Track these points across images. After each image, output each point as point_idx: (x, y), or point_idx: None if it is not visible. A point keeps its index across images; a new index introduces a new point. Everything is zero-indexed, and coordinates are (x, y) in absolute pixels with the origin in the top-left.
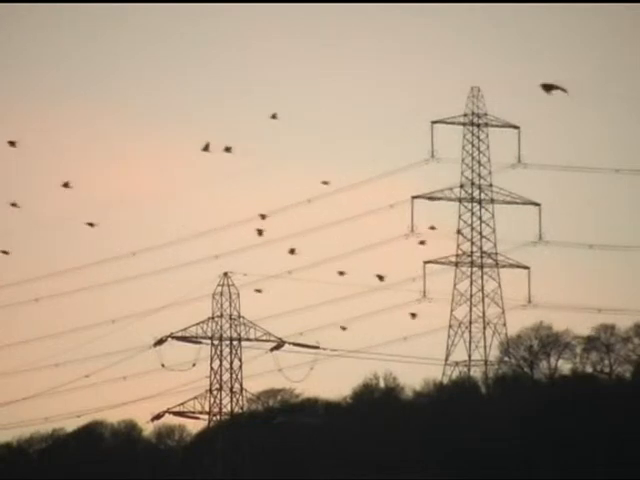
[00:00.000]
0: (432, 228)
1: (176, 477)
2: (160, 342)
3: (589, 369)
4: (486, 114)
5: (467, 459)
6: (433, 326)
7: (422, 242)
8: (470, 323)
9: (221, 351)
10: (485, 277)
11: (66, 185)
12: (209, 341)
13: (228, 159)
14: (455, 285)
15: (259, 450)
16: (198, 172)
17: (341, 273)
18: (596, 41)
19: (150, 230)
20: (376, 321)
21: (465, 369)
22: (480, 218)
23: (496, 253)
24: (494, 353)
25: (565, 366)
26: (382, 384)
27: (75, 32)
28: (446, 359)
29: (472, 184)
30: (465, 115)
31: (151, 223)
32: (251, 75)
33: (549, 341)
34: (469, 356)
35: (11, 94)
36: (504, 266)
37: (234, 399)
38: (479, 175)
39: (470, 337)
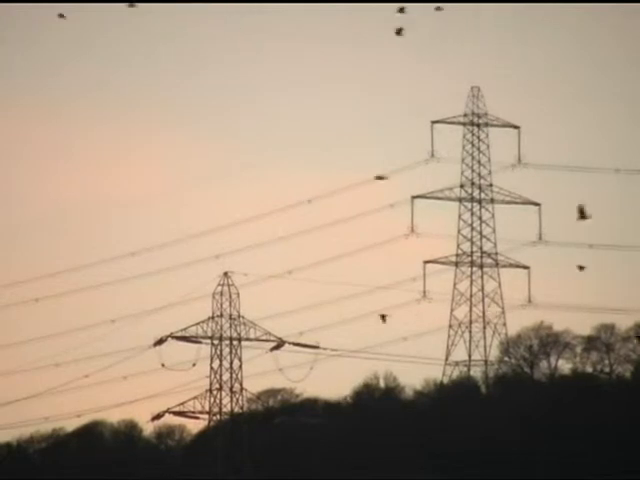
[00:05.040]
0: None
1: (176, 477)
2: (160, 342)
3: (589, 369)
4: (486, 114)
5: (467, 459)
6: (433, 326)
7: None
8: (470, 323)
9: (221, 351)
10: (485, 277)
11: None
12: (209, 341)
13: (228, 159)
14: (455, 285)
15: (259, 450)
16: (198, 172)
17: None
18: (596, 41)
19: (150, 230)
20: (376, 321)
21: (465, 369)
22: (480, 218)
23: (496, 253)
24: (494, 353)
25: (565, 366)
26: (382, 384)
27: (77, 32)
28: (446, 359)
29: (472, 184)
30: (465, 115)
31: (151, 223)
32: (252, 76)
33: (549, 341)
34: (469, 356)
35: (15, 93)
36: (504, 266)
37: (234, 399)
38: (479, 175)
39: (470, 337)
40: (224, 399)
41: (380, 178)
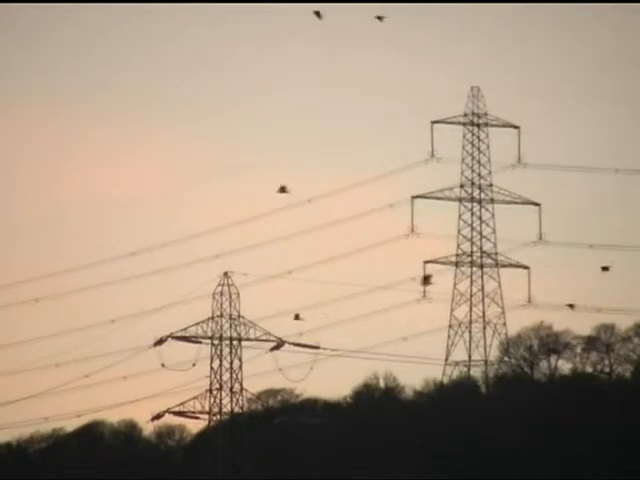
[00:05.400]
0: None
1: (176, 477)
2: (160, 342)
3: (589, 369)
4: (486, 114)
5: (467, 459)
6: (433, 326)
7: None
8: (470, 323)
9: (221, 351)
10: (485, 277)
11: None
12: (209, 341)
13: (228, 159)
14: (455, 285)
15: (259, 450)
16: (198, 172)
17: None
18: (596, 41)
19: (150, 230)
20: (376, 321)
21: (465, 369)
22: (480, 218)
23: (496, 253)
24: (494, 353)
25: (565, 366)
26: (382, 384)
27: (77, 32)
28: (446, 359)
29: (472, 184)
30: (465, 115)
31: (151, 223)
32: (252, 76)
33: (549, 341)
34: (469, 356)
35: (15, 93)
36: (504, 266)
37: (234, 399)
38: (479, 175)
39: (470, 337)
40: (224, 399)
41: (283, 190)
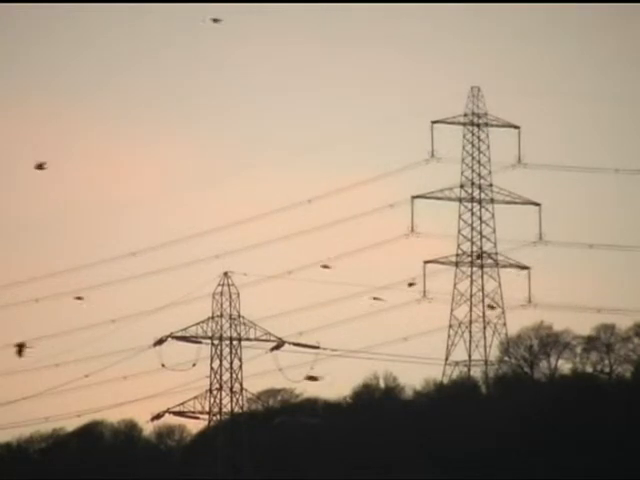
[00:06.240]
0: None
1: (176, 477)
2: (160, 342)
3: (589, 369)
4: (486, 114)
5: (467, 459)
6: (433, 326)
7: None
8: (470, 323)
9: (221, 351)
10: (485, 277)
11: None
12: (209, 341)
13: (228, 159)
14: (455, 285)
15: (259, 450)
16: (198, 172)
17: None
18: (596, 41)
19: (150, 230)
20: (376, 321)
21: (465, 369)
22: (480, 218)
23: (496, 253)
24: (494, 353)
25: (565, 366)
26: (382, 384)
27: (77, 32)
28: (446, 359)
29: (472, 184)
30: (465, 115)
31: (151, 223)
32: (252, 75)
33: (549, 341)
34: (469, 356)
35: (15, 93)
36: (504, 266)
37: (234, 399)
38: (479, 175)
39: (470, 337)
40: (224, 399)
41: (40, 167)
